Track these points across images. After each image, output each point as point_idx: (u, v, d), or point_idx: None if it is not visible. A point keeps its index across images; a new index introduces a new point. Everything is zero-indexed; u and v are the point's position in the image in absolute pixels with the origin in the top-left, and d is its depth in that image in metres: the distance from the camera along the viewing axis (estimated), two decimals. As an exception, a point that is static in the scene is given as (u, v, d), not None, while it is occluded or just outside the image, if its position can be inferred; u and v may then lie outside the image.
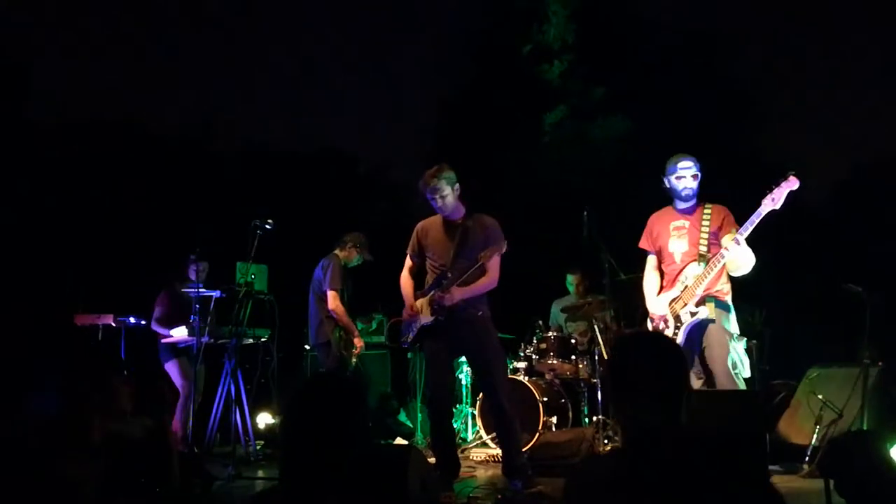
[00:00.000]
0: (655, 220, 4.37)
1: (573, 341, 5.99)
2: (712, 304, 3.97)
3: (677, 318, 4.05)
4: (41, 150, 11.95)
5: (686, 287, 4.03)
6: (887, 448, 3.10)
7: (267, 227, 5.10)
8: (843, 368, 5.06)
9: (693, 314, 3.97)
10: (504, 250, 4.19)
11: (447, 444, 4.30)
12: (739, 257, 3.92)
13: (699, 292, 3.97)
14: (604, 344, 5.55)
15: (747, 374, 3.96)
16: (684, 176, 4.17)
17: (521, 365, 5.99)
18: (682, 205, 4.23)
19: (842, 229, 12.02)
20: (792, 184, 3.82)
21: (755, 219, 3.87)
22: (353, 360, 5.76)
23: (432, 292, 4.21)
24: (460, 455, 5.57)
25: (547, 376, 5.88)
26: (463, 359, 5.99)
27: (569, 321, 6.52)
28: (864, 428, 4.35)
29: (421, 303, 4.25)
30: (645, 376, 1.80)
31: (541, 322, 6.34)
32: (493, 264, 4.17)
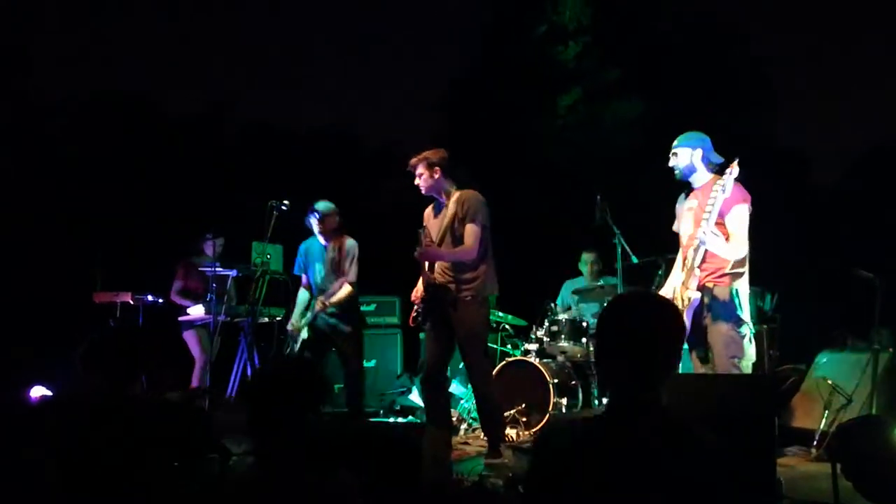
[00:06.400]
0: (679, 204, 4.25)
1: (584, 324, 6.03)
2: (714, 289, 3.89)
3: (682, 301, 3.91)
4: (48, 129, 12.03)
5: (687, 269, 3.92)
6: (895, 433, 3.15)
7: (283, 207, 5.18)
8: (853, 354, 5.08)
9: (692, 298, 3.86)
10: (480, 221, 4.35)
11: (442, 404, 4.53)
12: (715, 250, 3.84)
13: (697, 275, 3.86)
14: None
15: (750, 360, 3.84)
16: (669, 157, 4.10)
17: (533, 347, 6.05)
18: (694, 185, 4.09)
19: (856, 211, 11.94)
20: (734, 171, 3.70)
21: (713, 212, 3.77)
22: (296, 343, 5.26)
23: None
24: (472, 435, 5.67)
25: (559, 358, 5.94)
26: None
27: (581, 303, 6.57)
28: (873, 413, 4.39)
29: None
30: (625, 338, 1.69)
31: (553, 305, 6.38)
32: (469, 233, 4.34)
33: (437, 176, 4.44)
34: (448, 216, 4.41)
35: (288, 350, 5.28)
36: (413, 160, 4.50)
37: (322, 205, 5.16)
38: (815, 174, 13.70)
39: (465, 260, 4.36)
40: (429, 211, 4.70)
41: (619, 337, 1.71)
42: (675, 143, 4.09)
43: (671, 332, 1.72)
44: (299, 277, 5.40)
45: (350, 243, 5.21)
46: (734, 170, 3.73)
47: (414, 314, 4.52)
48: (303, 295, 5.33)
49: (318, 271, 5.23)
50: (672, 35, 13.12)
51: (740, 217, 3.85)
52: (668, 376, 1.69)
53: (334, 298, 5.10)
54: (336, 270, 5.18)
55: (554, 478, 1.68)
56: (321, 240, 5.22)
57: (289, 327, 5.30)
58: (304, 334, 5.20)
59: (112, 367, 2.82)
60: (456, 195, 4.44)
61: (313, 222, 5.17)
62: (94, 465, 2.45)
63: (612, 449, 1.63)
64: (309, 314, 5.20)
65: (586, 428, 1.76)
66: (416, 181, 4.50)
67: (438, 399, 4.54)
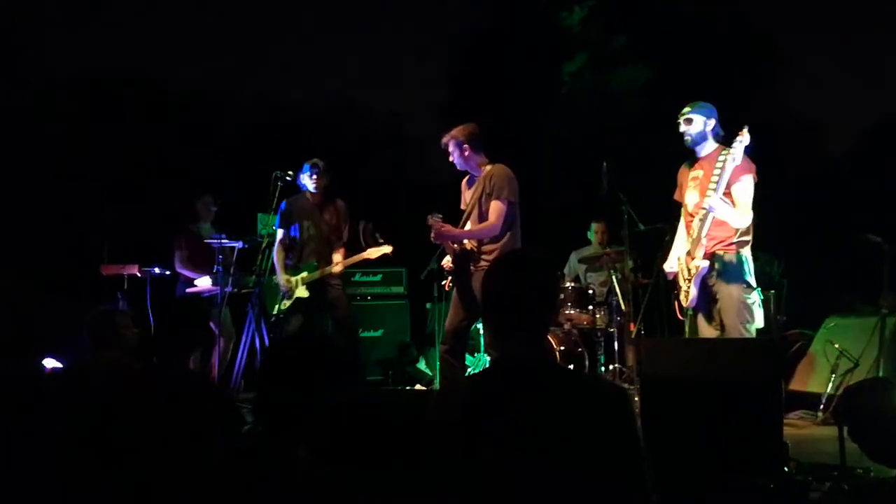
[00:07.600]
0: (681, 172, 4.25)
1: (590, 292, 6.04)
2: (724, 256, 3.90)
3: (689, 271, 3.97)
4: (59, 102, 12.00)
5: (693, 239, 3.94)
6: (902, 396, 3.15)
7: (287, 178, 5.20)
8: (860, 318, 5.09)
9: (700, 267, 3.88)
10: (506, 198, 4.34)
11: (457, 367, 4.54)
12: (723, 217, 3.84)
13: (704, 244, 3.87)
14: (622, 294, 5.60)
15: (758, 325, 3.89)
16: (679, 122, 4.08)
17: (539, 315, 6.04)
18: (698, 154, 4.09)
19: (864, 178, 11.85)
20: (745, 139, 3.70)
21: (723, 179, 3.77)
22: (284, 302, 5.29)
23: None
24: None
25: (565, 326, 5.95)
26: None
27: (588, 271, 6.56)
28: (880, 376, 4.39)
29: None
30: (503, 297, 1.80)
31: (560, 273, 6.37)
32: (493, 210, 4.37)
33: (467, 153, 4.50)
34: (477, 191, 4.47)
35: (280, 302, 5.27)
36: (444, 139, 4.55)
37: (318, 160, 5.30)
38: (828, 142, 13.54)
39: (486, 237, 4.41)
40: (465, 182, 4.74)
41: (511, 293, 1.79)
42: (688, 108, 4.08)
43: (549, 288, 1.86)
44: (275, 233, 5.41)
45: (344, 206, 5.39)
46: (745, 137, 3.72)
47: (449, 280, 4.64)
48: (281, 252, 5.37)
49: (307, 228, 5.30)
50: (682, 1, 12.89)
51: (746, 186, 3.89)
52: (547, 330, 1.84)
53: (348, 261, 5.24)
54: (333, 234, 5.32)
55: (449, 443, 1.71)
56: (313, 190, 5.28)
57: (282, 284, 5.28)
58: (303, 293, 5.23)
59: (124, 339, 2.83)
60: (485, 170, 4.49)
61: (310, 176, 5.25)
62: (115, 436, 2.45)
63: (507, 401, 1.65)
64: (306, 272, 5.24)
65: (474, 387, 1.80)
66: (450, 159, 4.57)
67: (454, 363, 4.59)
